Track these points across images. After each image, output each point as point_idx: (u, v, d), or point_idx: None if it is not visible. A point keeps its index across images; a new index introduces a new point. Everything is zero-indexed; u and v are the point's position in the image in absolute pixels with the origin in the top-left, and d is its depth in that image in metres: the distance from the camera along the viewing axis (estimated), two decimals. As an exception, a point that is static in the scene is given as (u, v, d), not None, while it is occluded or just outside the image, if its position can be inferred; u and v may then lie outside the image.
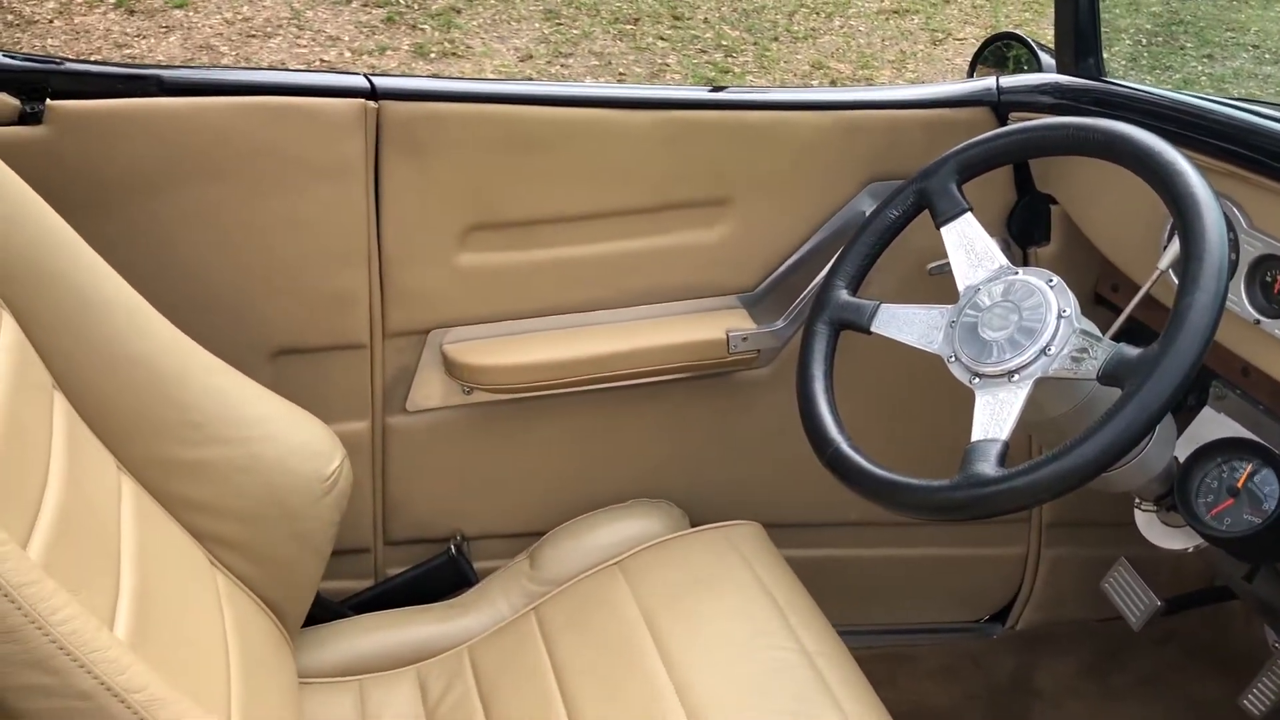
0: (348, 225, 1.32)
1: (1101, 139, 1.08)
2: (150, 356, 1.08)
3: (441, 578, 1.48)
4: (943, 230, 1.18)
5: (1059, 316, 1.05)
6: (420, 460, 1.45)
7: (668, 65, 5.05)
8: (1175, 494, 1.22)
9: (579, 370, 1.41)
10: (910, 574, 1.70)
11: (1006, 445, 1.02)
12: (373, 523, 1.46)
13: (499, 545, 1.51)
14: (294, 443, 1.17)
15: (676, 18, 5.35)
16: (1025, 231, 1.49)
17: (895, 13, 5.64)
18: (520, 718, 1.17)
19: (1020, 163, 1.45)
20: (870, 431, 1.15)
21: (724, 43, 5.28)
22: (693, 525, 1.43)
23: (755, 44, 5.31)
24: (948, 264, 1.48)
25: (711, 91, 1.41)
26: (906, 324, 1.16)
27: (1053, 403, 1.10)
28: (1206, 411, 1.30)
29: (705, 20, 5.37)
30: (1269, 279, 1.15)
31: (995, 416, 1.04)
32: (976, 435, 1.03)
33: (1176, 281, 0.98)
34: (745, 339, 1.44)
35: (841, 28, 5.48)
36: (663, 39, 5.27)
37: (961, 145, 1.19)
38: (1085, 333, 1.03)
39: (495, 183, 1.35)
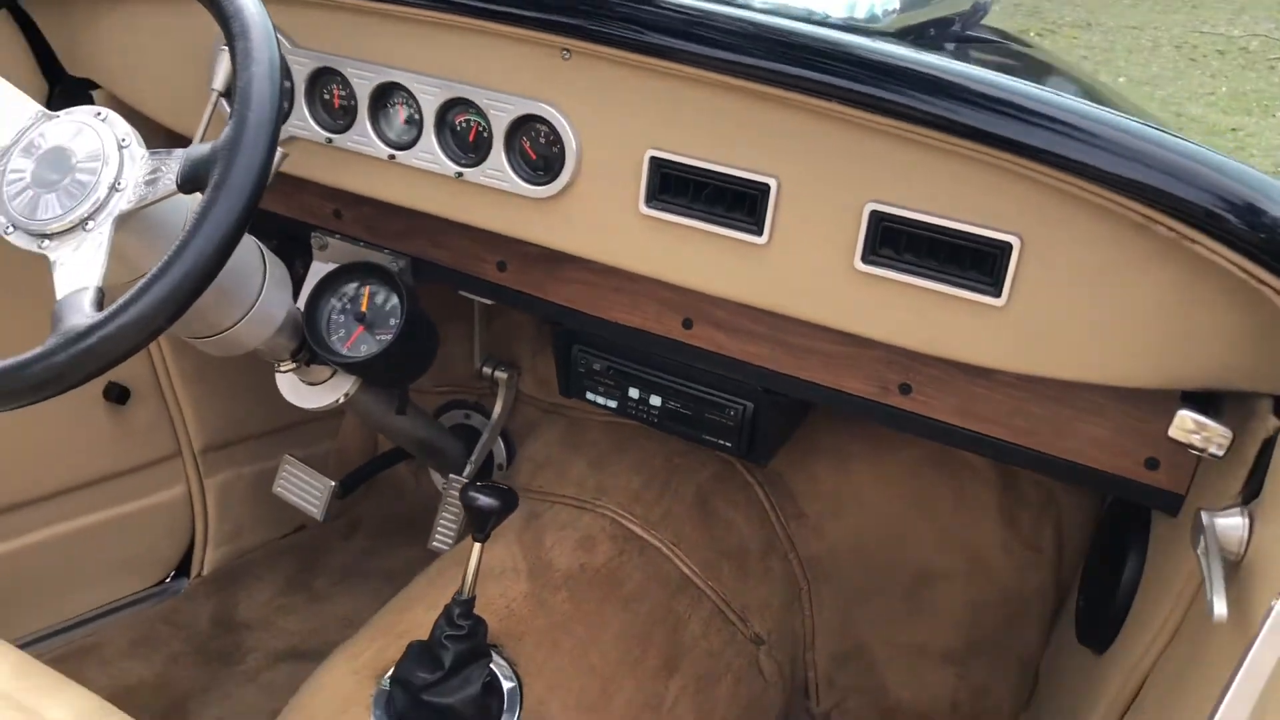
0: None
1: None
2: None
3: None
4: None
5: (120, 147, 0.92)
6: None
7: None
8: (309, 340, 1.17)
9: None
10: (68, 557, 1.44)
11: (101, 291, 0.86)
12: None
13: None
14: None
15: None
16: None
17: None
18: None
19: (44, 43, 1.27)
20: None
21: None
22: None
23: None
24: None
25: None
26: None
27: (140, 253, 0.97)
28: (315, 266, 1.27)
29: None
30: (327, 95, 1.14)
31: (78, 270, 0.88)
32: (62, 292, 0.86)
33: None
34: None
35: None
36: None
37: None
38: (154, 154, 0.92)
39: None
